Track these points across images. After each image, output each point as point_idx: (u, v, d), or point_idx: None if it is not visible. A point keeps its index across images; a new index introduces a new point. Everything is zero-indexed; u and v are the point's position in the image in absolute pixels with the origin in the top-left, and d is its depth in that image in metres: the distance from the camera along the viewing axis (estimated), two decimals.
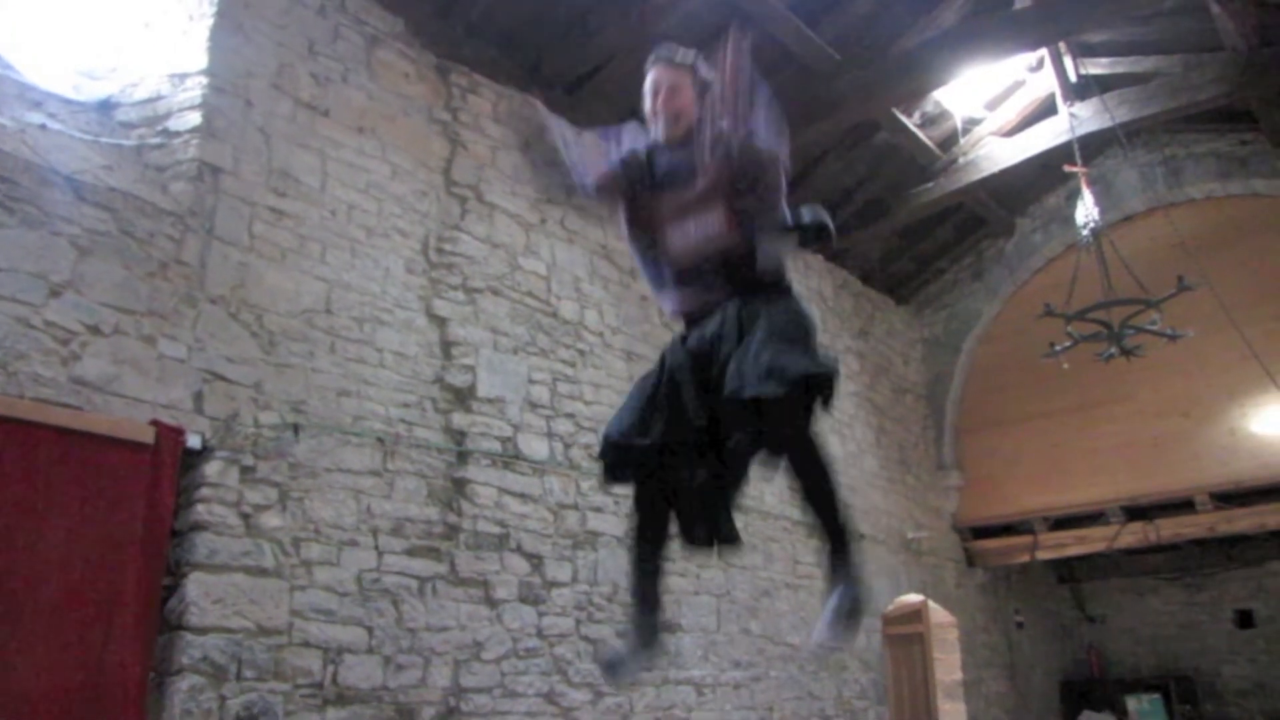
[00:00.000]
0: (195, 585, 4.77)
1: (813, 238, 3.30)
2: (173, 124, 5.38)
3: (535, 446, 6.74)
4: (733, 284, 3.18)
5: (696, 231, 3.22)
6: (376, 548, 5.63)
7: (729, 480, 3.19)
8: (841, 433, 10.23)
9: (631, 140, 3.48)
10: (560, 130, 3.60)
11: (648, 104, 3.43)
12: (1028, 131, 9.96)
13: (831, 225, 3.29)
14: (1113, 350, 8.04)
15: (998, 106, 10.17)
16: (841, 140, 9.46)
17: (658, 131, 3.40)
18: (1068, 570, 13.98)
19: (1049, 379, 10.11)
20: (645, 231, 3.38)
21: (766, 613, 8.38)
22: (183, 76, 5.46)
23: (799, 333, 3.11)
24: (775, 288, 3.21)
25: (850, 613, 2.97)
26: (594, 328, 7.48)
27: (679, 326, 3.40)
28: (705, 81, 3.43)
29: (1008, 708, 11.91)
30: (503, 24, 7.06)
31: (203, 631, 4.74)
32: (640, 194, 3.38)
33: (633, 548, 3.43)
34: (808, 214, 3.29)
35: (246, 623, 4.92)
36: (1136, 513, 10.84)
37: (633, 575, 3.45)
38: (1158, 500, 10.65)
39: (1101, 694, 13.06)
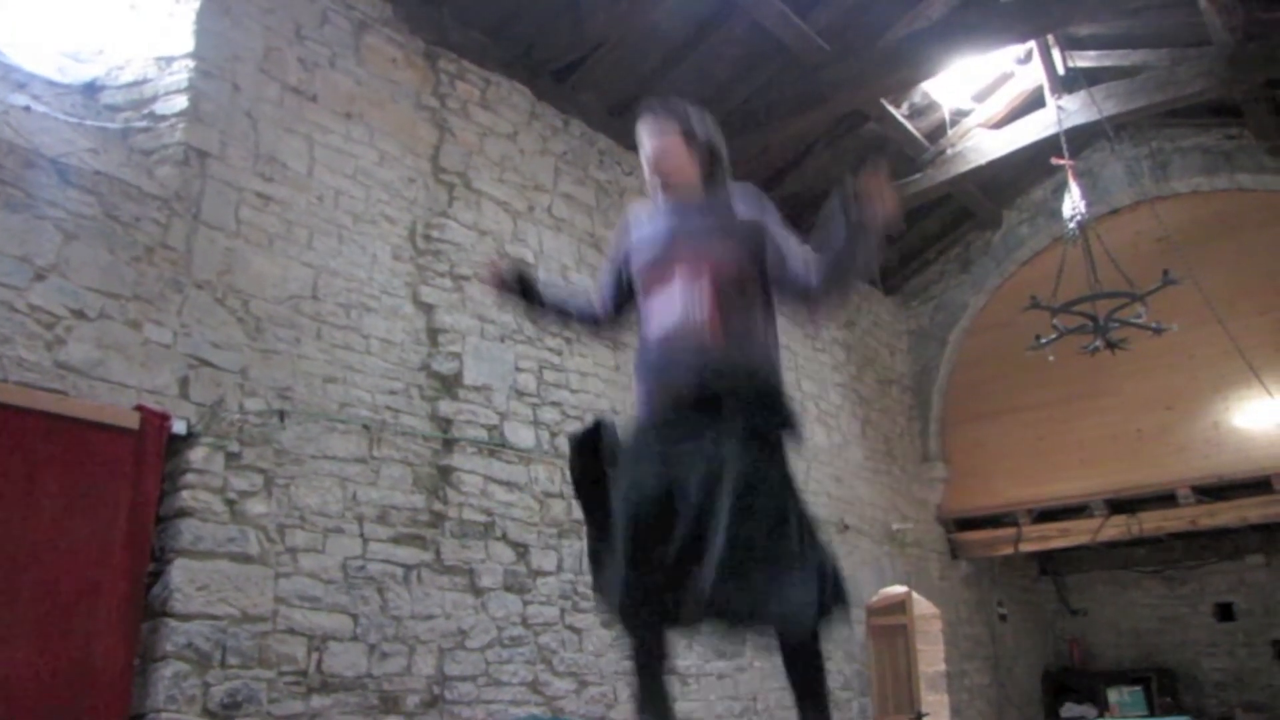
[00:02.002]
0: (180, 572, 4.75)
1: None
2: (159, 107, 5.34)
3: (521, 434, 6.73)
4: (718, 397, 2.91)
5: (683, 300, 3.05)
6: (362, 535, 5.61)
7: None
8: (827, 423, 10.24)
9: (635, 219, 3.42)
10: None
11: (648, 168, 3.35)
12: (1015, 124, 9.98)
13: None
14: (1098, 343, 8.07)
15: (986, 98, 10.18)
16: (830, 131, 9.47)
17: (658, 197, 3.33)
18: (1050, 563, 14.03)
19: (1034, 371, 10.13)
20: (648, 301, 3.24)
21: None
22: (169, 60, 5.42)
23: (802, 532, 2.87)
24: (770, 418, 2.97)
25: None
26: None
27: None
28: (696, 133, 3.31)
29: (990, 699, 11.96)
30: (492, 10, 7.03)
31: (187, 618, 4.72)
32: (640, 260, 3.27)
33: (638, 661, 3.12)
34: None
35: (231, 609, 4.90)
36: (1119, 506, 10.89)
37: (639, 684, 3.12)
38: (1140, 493, 10.70)
39: (1083, 686, 13.12)
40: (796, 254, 3.07)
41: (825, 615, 2.91)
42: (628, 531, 2.86)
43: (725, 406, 2.88)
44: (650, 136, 3.33)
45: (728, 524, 2.70)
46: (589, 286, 3.53)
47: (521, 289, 3.45)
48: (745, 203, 3.22)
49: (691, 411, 2.93)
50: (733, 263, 3.06)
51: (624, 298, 3.38)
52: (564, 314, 3.58)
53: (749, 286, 3.08)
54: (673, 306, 3.07)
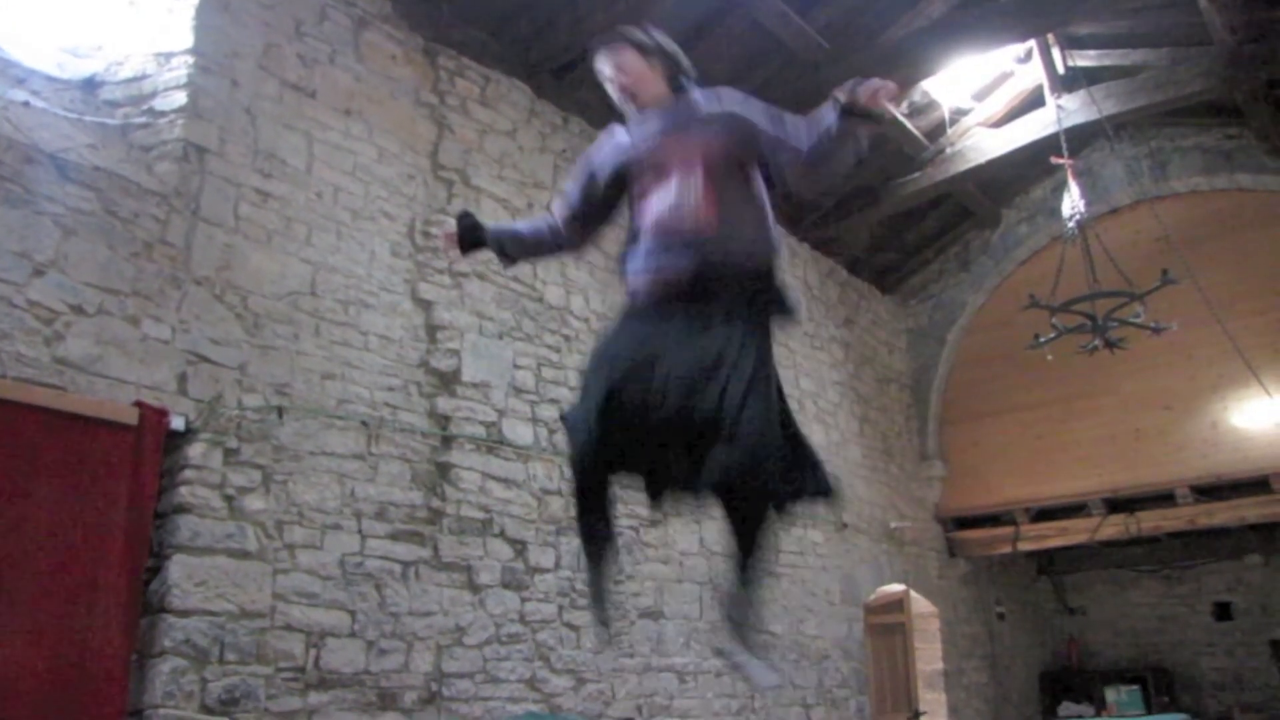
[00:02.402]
0: (178, 567, 4.75)
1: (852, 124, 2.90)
2: (158, 103, 5.34)
3: (519, 431, 6.73)
4: (715, 277, 2.98)
5: (678, 195, 3.08)
6: (360, 531, 5.61)
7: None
8: (825, 421, 10.24)
9: (609, 137, 3.41)
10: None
11: (613, 93, 3.34)
12: (1015, 123, 9.97)
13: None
14: (1096, 342, 8.07)
15: (985, 97, 10.18)
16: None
17: (630, 109, 3.31)
18: (1048, 562, 14.04)
19: (1033, 370, 10.14)
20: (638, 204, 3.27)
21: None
22: (168, 56, 5.42)
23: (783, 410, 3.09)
24: (767, 301, 3.06)
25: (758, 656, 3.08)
26: (579, 313, 7.46)
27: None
28: (647, 44, 3.31)
29: (988, 698, 11.97)
30: (491, 7, 7.03)
31: (185, 614, 4.73)
32: (627, 172, 3.28)
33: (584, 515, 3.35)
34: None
35: (229, 605, 4.90)
36: (1117, 505, 10.89)
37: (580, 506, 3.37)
38: (1139, 493, 10.70)
39: (1081, 685, 13.14)
40: (788, 121, 3.10)
41: (807, 495, 3.22)
42: (604, 389, 2.98)
43: (723, 291, 2.97)
44: (605, 63, 3.33)
45: (740, 405, 2.80)
46: (545, 213, 3.53)
47: (479, 240, 3.49)
48: (726, 97, 3.25)
49: (686, 296, 3.00)
50: (721, 148, 3.08)
51: (593, 211, 3.40)
52: (531, 246, 3.58)
53: (741, 171, 3.11)
54: (666, 199, 3.09)
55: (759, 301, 3.03)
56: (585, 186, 3.38)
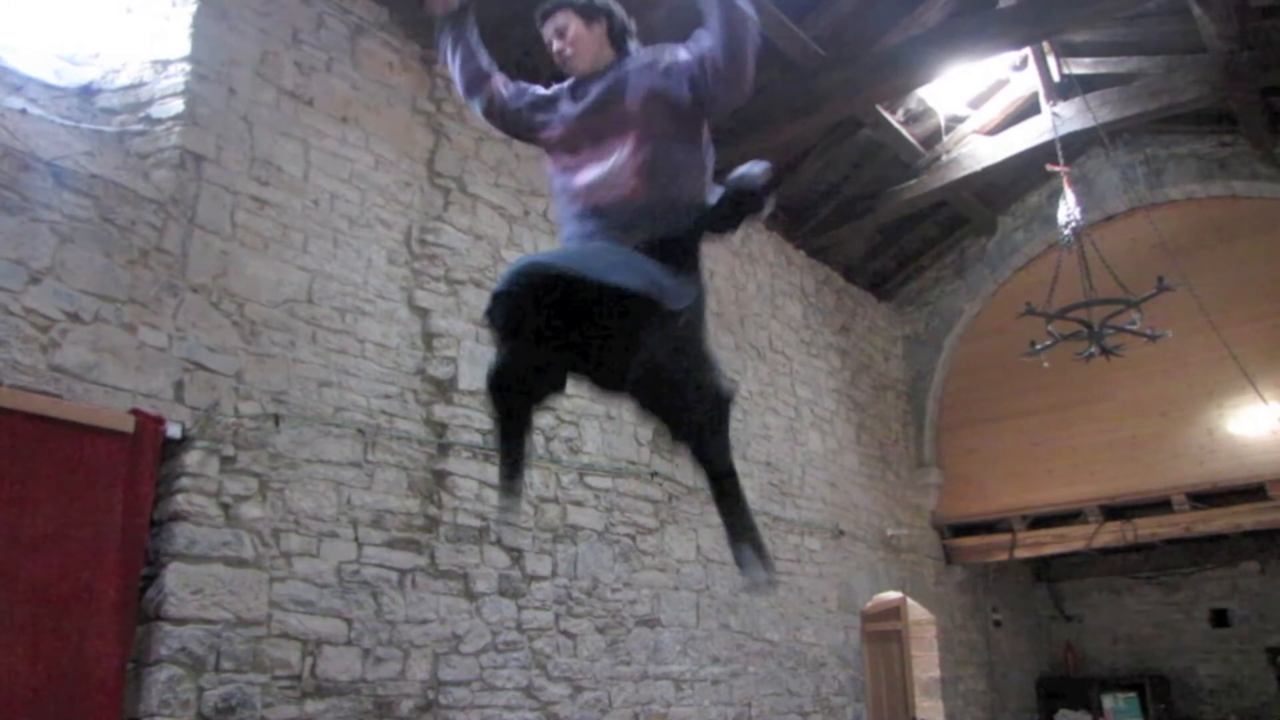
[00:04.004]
0: (174, 576, 4.74)
1: (732, 210, 3.03)
2: (155, 111, 5.33)
3: None
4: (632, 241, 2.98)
5: (601, 166, 3.10)
6: (356, 539, 5.60)
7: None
8: (822, 429, 10.25)
9: (552, 91, 3.42)
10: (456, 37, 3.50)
11: (554, 56, 3.35)
12: (1011, 130, 10.00)
13: (762, 186, 2.99)
14: (1093, 350, 8.08)
15: (981, 105, 10.20)
16: (825, 136, 9.47)
17: (570, 73, 3.33)
18: (1045, 569, 14.05)
19: (1029, 377, 10.16)
20: (569, 176, 3.26)
21: (745, 609, 8.39)
22: (165, 63, 5.41)
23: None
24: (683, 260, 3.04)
25: (760, 552, 3.25)
26: None
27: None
28: (590, 7, 3.32)
29: (985, 705, 11.96)
30: (487, 15, 6.98)
31: (181, 622, 4.71)
32: (558, 132, 3.29)
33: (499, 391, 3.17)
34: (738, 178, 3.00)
35: (225, 614, 4.89)
36: (1114, 512, 10.90)
37: (499, 429, 3.29)
38: (1135, 500, 10.71)
39: (1078, 692, 13.12)
40: (699, 52, 3.09)
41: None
42: (519, 305, 2.86)
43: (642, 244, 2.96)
44: (547, 27, 3.35)
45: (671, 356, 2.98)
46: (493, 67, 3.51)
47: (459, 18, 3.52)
48: (654, 54, 3.24)
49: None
50: (646, 119, 3.08)
51: (506, 112, 3.42)
52: (471, 48, 3.52)
53: (671, 135, 3.10)
54: (593, 174, 3.11)
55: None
56: (515, 100, 3.41)
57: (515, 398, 3.15)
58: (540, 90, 3.41)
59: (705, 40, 3.05)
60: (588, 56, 3.30)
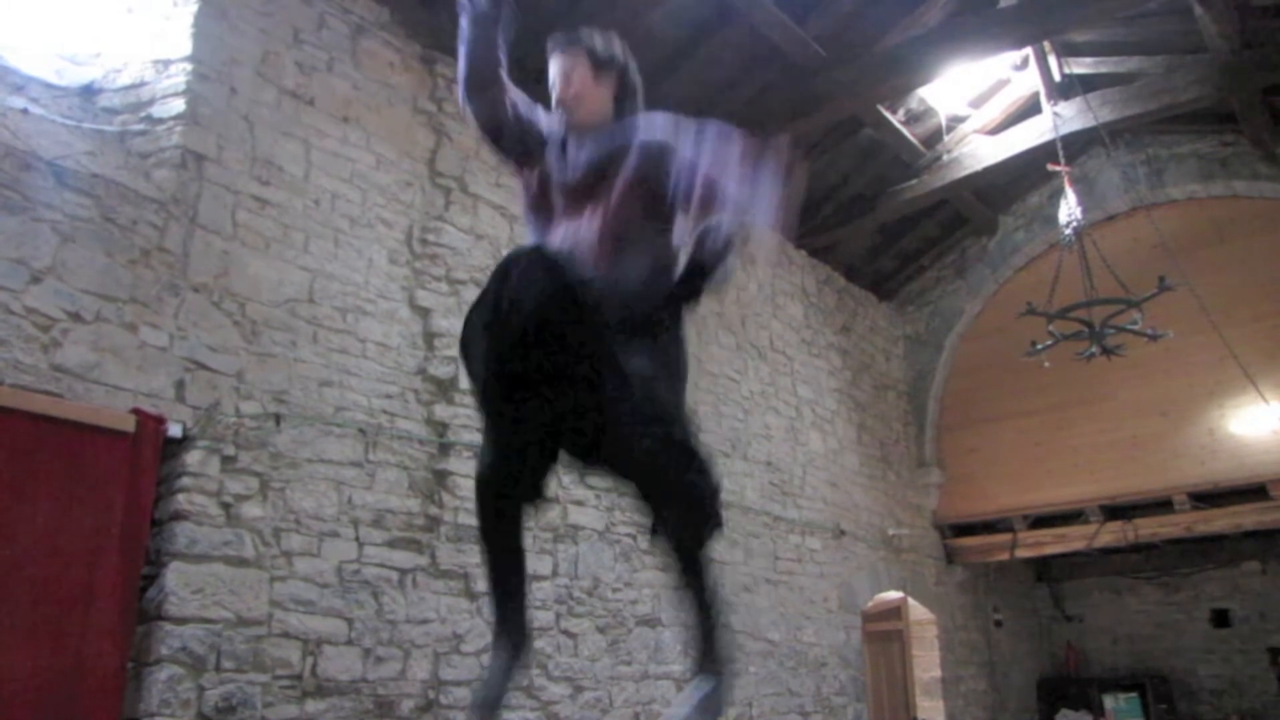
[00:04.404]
0: (175, 575, 4.74)
1: (693, 284, 2.92)
2: (156, 110, 5.33)
3: None
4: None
5: (571, 230, 3.00)
6: (357, 539, 5.61)
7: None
8: (823, 428, 10.25)
9: (548, 123, 3.27)
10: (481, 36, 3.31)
11: (554, 96, 3.22)
12: (1011, 130, 10.00)
13: (717, 267, 2.85)
14: (1094, 349, 8.08)
15: (982, 104, 10.21)
16: (826, 136, 9.47)
17: (565, 120, 3.19)
18: (1046, 569, 14.04)
19: (1030, 377, 10.15)
20: (541, 218, 3.17)
21: (746, 609, 8.39)
22: (167, 63, 5.42)
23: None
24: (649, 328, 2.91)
25: (711, 704, 2.74)
26: None
27: None
28: (604, 58, 3.20)
29: (986, 705, 11.96)
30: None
31: (182, 622, 4.71)
32: (541, 173, 3.17)
33: (489, 515, 3.03)
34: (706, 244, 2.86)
35: (226, 613, 4.89)
36: (1115, 512, 10.89)
37: (488, 558, 3.09)
38: (1136, 500, 10.70)
39: (1079, 693, 13.11)
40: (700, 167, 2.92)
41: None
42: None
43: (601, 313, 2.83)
44: (555, 65, 3.24)
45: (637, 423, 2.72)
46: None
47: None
48: (656, 128, 3.09)
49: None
50: (629, 203, 2.98)
51: (506, 130, 3.23)
52: (490, 46, 3.33)
53: (648, 222, 3.00)
54: (565, 238, 3.01)
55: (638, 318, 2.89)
56: (516, 119, 3.23)
57: (504, 494, 2.99)
58: (542, 117, 3.27)
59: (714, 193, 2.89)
60: (587, 109, 3.19)
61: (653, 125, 3.11)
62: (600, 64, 3.20)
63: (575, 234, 2.99)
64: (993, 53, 8.47)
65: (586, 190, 3.04)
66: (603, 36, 3.27)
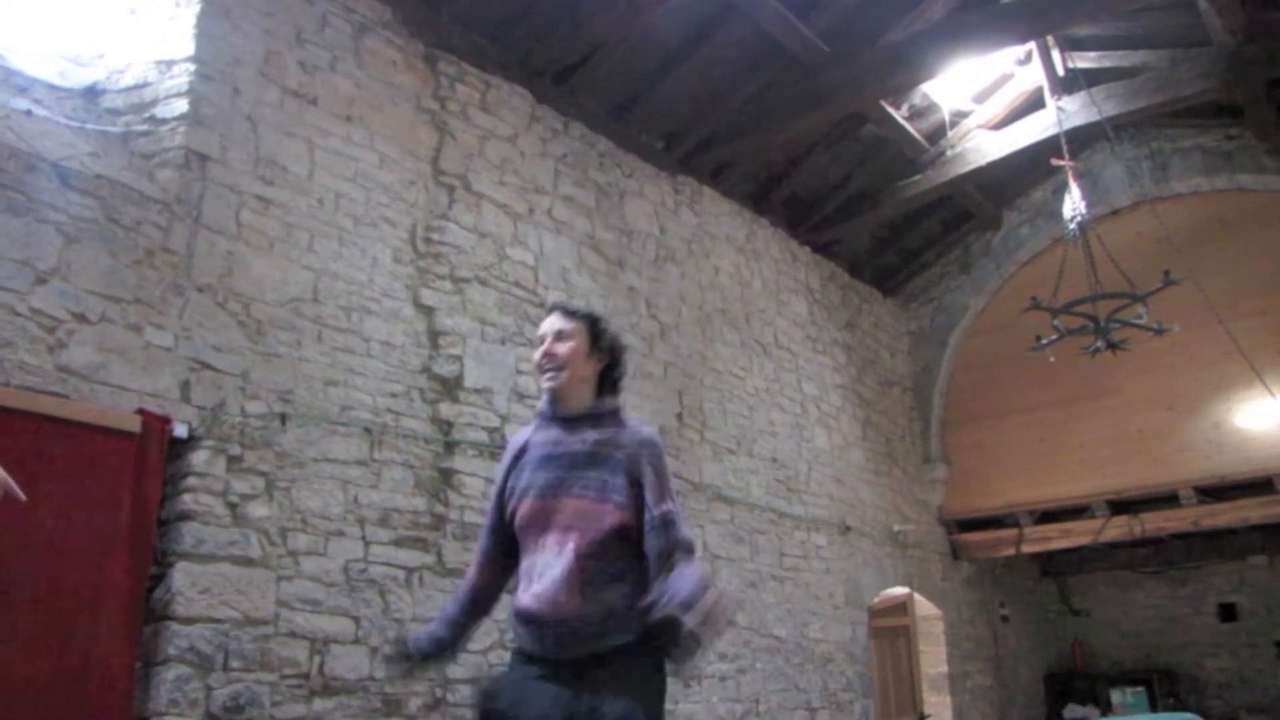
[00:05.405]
0: (182, 575, 4.75)
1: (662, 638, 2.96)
2: (159, 111, 5.34)
3: None
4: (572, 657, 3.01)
5: (547, 567, 3.07)
6: (363, 538, 5.61)
7: None
8: (828, 425, 10.24)
9: (514, 451, 3.37)
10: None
11: (536, 353, 3.30)
12: (1015, 125, 10.00)
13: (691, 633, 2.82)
14: (1099, 344, 8.07)
15: (985, 100, 10.19)
16: (829, 132, 9.47)
17: (542, 385, 3.27)
18: (1052, 564, 14.04)
19: (1035, 372, 10.15)
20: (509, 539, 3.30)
21: (753, 605, 8.39)
22: (169, 63, 5.42)
23: None
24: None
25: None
26: None
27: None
28: (601, 337, 3.28)
29: (993, 701, 11.96)
30: (491, 13, 7.04)
31: (189, 621, 4.72)
32: (518, 496, 3.25)
33: None
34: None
35: (233, 613, 4.90)
36: (1121, 507, 10.89)
37: None
38: (1142, 494, 10.70)
39: (1086, 687, 13.14)
40: (668, 518, 3.08)
41: None
42: None
43: (587, 667, 2.98)
44: (552, 324, 3.30)
45: None
46: (471, 563, 3.54)
47: (434, 652, 3.43)
48: (635, 440, 3.19)
49: (552, 667, 3.03)
50: (602, 520, 3.07)
51: (512, 544, 3.32)
52: (471, 623, 3.48)
53: (620, 539, 3.09)
54: (537, 567, 3.11)
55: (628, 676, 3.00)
56: (497, 521, 3.35)
57: None
58: (507, 465, 3.37)
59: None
60: (573, 380, 3.24)
61: (635, 438, 3.21)
62: (597, 340, 3.29)
63: (549, 579, 3.06)
64: (996, 48, 8.47)
65: (552, 517, 3.13)
66: (604, 318, 3.37)
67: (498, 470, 3.46)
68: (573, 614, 2.99)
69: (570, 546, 3.05)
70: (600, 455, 3.15)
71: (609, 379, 3.31)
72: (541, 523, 3.14)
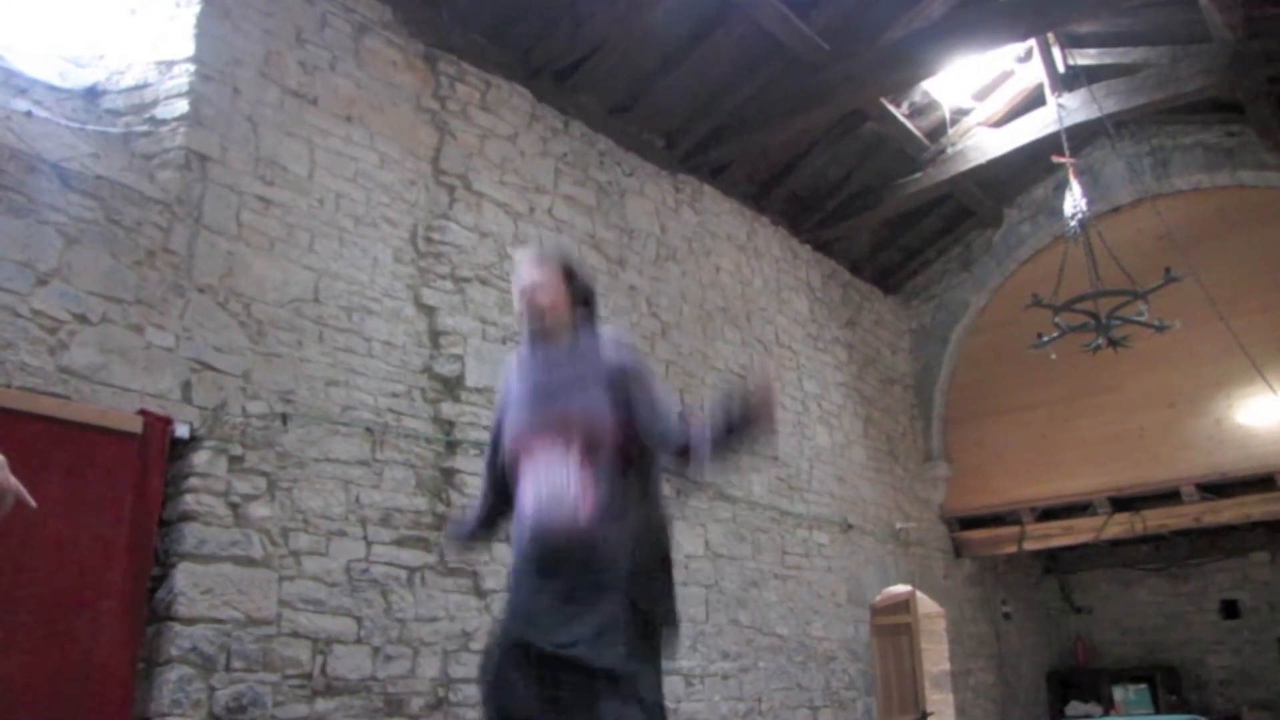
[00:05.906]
0: (184, 575, 4.75)
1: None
2: (160, 112, 5.34)
3: None
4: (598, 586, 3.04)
5: (550, 480, 3.15)
6: (365, 538, 5.61)
7: None
8: (829, 423, 10.24)
9: (507, 381, 3.53)
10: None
11: (516, 305, 3.49)
12: (1016, 122, 9.99)
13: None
14: (1100, 341, 8.06)
15: (986, 97, 10.19)
16: (830, 130, 9.47)
17: (524, 330, 3.46)
18: (1054, 561, 14.02)
19: (1036, 370, 10.16)
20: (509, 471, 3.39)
21: (755, 603, 8.39)
22: (170, 64, 5.42)
23: None
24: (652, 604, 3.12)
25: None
26: None
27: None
28: (575, 274, 3.49)
29: (995, 698, 11.96)
30: (491, 12, 7.03)
31: (191, 622, 4.72)
32: (513, 425, 3.39)
33: None
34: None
35: (235, 613, 4.90)
36: (1123, 504, 10.88)
37: None
38: (1144, 491, 10.69)
39: (1088, 684, 13.12)
40: (666, 411, 3.22)
41: None
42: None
43: (605, 598, 3.02)
44: (529, 272, 3.48)
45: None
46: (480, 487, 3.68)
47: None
48: (617, 352, 3.37)
49: (570, 598, 3.05)
50: (602, 424, 3.18)
51: (505, 485, 3.45)
52: (485, 533, 3.72)
53: (623, 445, 3.19)
54: (541, 485, 3.17)
55: (643, 605, 3.07)
56: (495, 453, 3.49)
57: None
58: (508, 391, 3.53)
59: (683, 427, 3.17)
60: (556, 321, 3.43)
61: (617, 350, 3.41)
62: (572, 279, 3.49)
63: (554, 494, 3.13)
64: (996, 45, 8.46)
65: (553, 429, 3.22)
66: (574, 254, 3.61)
67: (496, 408, 3.66)
68: (586, 526, 3.07)
69: (575, 450, 3.15)
70: (587, 372, 3.30)
71: (585, 312, 3.51)
72: (534, 438, 3.25)
